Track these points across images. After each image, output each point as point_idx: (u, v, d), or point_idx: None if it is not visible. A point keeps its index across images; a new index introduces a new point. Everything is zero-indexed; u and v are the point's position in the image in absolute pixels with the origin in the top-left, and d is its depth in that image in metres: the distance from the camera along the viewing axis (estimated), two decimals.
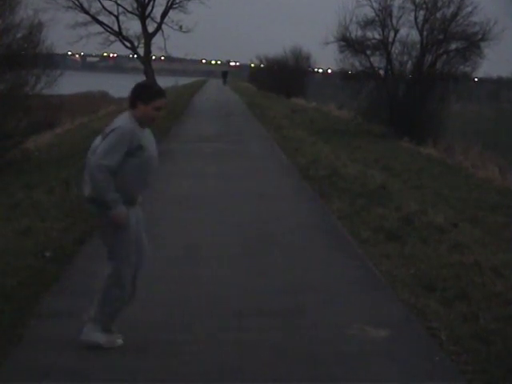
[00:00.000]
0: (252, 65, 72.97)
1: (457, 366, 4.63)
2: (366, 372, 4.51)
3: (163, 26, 31.99)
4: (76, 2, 29.95)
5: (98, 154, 4.51)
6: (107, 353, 4.68)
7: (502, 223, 9.60)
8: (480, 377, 4.45)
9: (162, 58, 43.04)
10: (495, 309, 5.60)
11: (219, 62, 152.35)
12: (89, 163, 4.57)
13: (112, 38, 31.70)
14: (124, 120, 4.67)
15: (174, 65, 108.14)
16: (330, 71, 74.16)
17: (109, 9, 30.98)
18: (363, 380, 4.41)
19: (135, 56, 32.93)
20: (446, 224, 8.69)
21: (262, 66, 70.03)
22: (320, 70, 75.57)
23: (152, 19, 31.72)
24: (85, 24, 30.69)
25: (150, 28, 31.69)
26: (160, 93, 4.70)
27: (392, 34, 26.51)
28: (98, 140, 4.73)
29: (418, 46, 26.05)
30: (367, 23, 26.46)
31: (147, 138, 4.73)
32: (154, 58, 35.90)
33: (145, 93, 4.66)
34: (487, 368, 4.55)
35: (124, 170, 4.51)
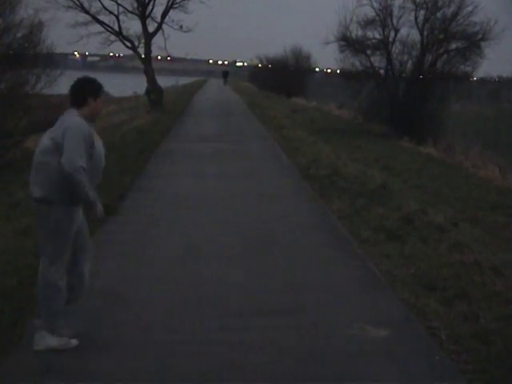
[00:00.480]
0: (259, 65, 72.70)
1: (457, 365, 4.63)
2: (367, 371, 4.51)
3: (163, 26, 31.96)
4: (76, 2, 29.88)
5: (71, 156, 4.48)
6: (107, 353, 4.69)
7: (502, 223, 9.60)
8: (480, 376, 4.45)
9: (160, 57, 42.96)
10: (495, 308, 5.60)
11: (226, 62, 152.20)
12: (52, 166, 4.56)
13: (112, 37, 31.62)
14: (75, 118, 4.64)
15: (175, 64, 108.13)
16: (329, 70, 74.25)
17: (109, 8, 30.92)
18: (363, 379, 4.42)
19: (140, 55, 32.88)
20: (446, 223, 8.69)
21: (260, 65, 70.08)
22: (319, 70, 75.51)
23: (152, 19, 31.66)
24: (85, 24, 30.63)
25: (151, 28, 31.63)
26: (101, 85, 4.83)
27: (392, 33, 26.55)
28: (46, 140, 4.73)
29: (419, 45, 26.08)
30: (367, 23, 26.49)
31: (95, 135, 4.73)
32: (159, 58, 35.91)
33: (93, 87, 4.74)
34: (487, 367, 4.55)
35: None
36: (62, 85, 18.60)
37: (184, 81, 76.89)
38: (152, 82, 31.29)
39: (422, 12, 25.94)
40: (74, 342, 4.75)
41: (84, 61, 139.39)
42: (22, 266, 6.40)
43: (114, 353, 4.69)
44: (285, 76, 55.68)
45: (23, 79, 16.51)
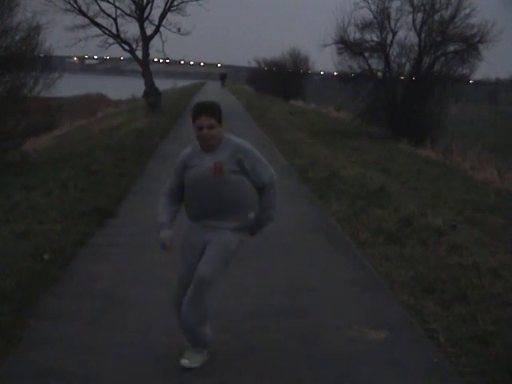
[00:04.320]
0: (257, 67, 72.69)
1: (455, 367, 4.63)
2: (365, 373, 4.51)
3: (161, 29, 32.02)
4: (74, 5, 29.95)
5: (273, 172, 4.51)
6: (107, 355, 4.68)
7: (500, 225, 9.60)
8: (479, 378, 4.45)
9: (161, 60, 43.00)
10: (494, 310, 5.61)
11: (223, 65, 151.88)
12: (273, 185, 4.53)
13: (110, 40, 31.72)
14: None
15: (172, 67, 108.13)
16: (322, 73, 74.30)
17: (107, 11, 31.01)
18: (362, 381, 4.41)
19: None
20: (444, 226, 8.70)
21: (258, 68, 70.09)
22: (320, 72, 75.65)
23: (150, 22, 31.73)
24: (83, 26, 30.71)
25: (149, 30, 31.70)
26: (195, 109, 4.58)
27: (390, 36, 26.58)
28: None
29: (416, 48, 26.11)
30: (365, 25, 26.52)
31: (199, 157, 4.62)
32: (155, 60, 35.90)
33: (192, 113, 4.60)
34: (486, 370, 4.54)
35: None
36: (61, 87, 18.66)
37: (182, 83, 76.95)
38: (150, 84, 31.33)
39: (420, 14, 26.01)
40: (184, 361, 4.53)
41: (82, 63, 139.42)
42: (20, 268, 6.41)
43: (114, 355, 4.69)
44: (283, 78, 55.71)
45: (21, 82, 16.54)
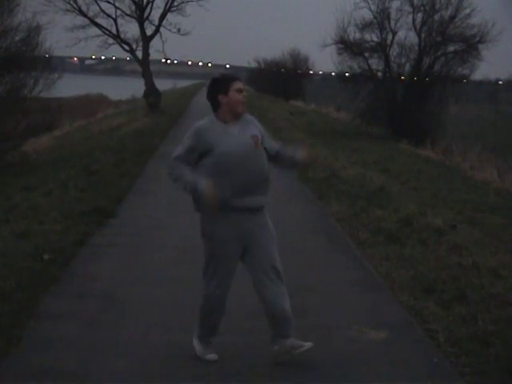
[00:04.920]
0: (257, 67, 72.65)
1: (455, 367, 4.63)
2: (365, 373, 4.51)
3: (161, 29, 32.03)
4: (74, 5, 29.99)
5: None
6: (107, 356, 4.68)
7: (500, 225, 9.60)
8: (478, 379, 4.44)
9: (158, 60, 42.98)
10: (494, 310, 5.60)
11: (222, 65, 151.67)
12: None
13: (110, 40, 31.74)
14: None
15: (173, 67, 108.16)
16: (321, 72, 74.28)
17: (107, 12, 31.05)
18: (362, 381, 4.41)
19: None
20: (444, 226, 8.69)
21: (258, 68, 70.07)
22: (320, 72, 75.66)
23: (150, 22, 31.76)
24: (83, 27, 30.74)
25: (149, 31, 31.73)
26: (229, 77, 4.54)
27: (390, 36, 26.64)
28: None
29: (416, 48, 26.15)
30: (365, 26, 26.55)
31: (231, 132, 4.47)
32: (154, 59, 35.87)
33: (219, 83, 4.46)
34: (486, 370, 4.54)
35: None
36: (61, 88, 18.67)
37: (182, 83, 76.97)
38: (150, 84, 31.34)
39: (420, 14, 26.07)
40: (211, 356, 4.60)
41: (82, 64, 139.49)
42: (20, 268, 6.41)
43: (114, 355, 4.69)
44: (283, 79, 55.70)
45: (21, 82, 16.55)
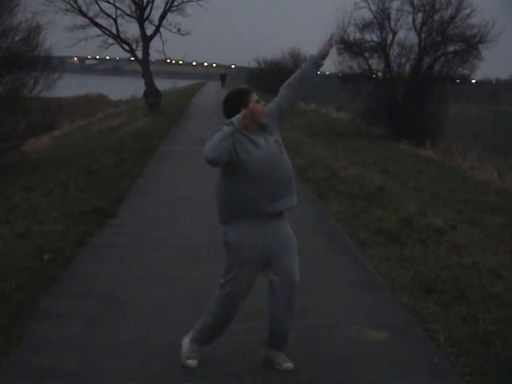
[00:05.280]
0: (257, 67, 72.57)
1: (455, 367, 4.63)
2: (366, 374, 4.51)
3: (161, 29, 32.03)
4: (74, 5, 29.97)
5: None
6: (107, 356, 4.68)
7: (500, 225, 9.59)
8: (479, 379, 4.44)
9: (158, 60, 42.99)
10: (494, 310, 5.60)
11: (224, 64, 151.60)
12: None
13: (110, 40, 31.73)
14: None
15: (173, 67, 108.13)
16: (319, 73, 74.15)
17: (107, 11, 31.03)
18: (362, 382, 4.42)
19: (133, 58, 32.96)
20: (444, 226, 8.69)
21: (258, 68, 70.03)
22: (319, 72, 75.48)
23: (150, 22, 31.74)
24: (83, 27, 30.73)
25: (149, 31, 31.71)
26: (245, 90, 4.63)
27: (390, 36, 26.58)
28: None
29: (416, 48, 26.11)
30: (365, 25, 26.52)
31: (258, 142, 4.56)
32: (155, 60, 35.90)
33: (238, 98, 4.50)
34: (486, 370, 4.54)
35: None
36: (61, 88, 18.67)
37: (182, 83, 76.96)
38: (150, 84, 31.33)
39: (420, 14, 26.01)
40: (190, 362, 4.53)
41: (82, 64, 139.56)
42: (20, 268, 6.41)
43: (114, 356, 4.69)
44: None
45: (21, 82, 16.55)
